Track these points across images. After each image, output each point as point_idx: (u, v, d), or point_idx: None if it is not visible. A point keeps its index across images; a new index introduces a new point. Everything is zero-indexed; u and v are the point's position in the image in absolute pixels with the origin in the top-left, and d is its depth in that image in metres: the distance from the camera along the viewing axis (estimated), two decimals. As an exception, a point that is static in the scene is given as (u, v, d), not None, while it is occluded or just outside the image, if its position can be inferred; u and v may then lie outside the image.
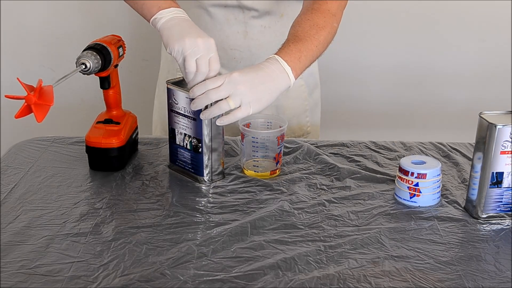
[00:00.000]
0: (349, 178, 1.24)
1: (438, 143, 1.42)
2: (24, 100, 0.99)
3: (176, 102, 1.19)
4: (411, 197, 1.14)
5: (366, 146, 1.41)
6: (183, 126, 1.20)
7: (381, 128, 2.38)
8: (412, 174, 1.13)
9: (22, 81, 0.99)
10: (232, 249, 0.99)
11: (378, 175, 1.25)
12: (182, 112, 1.19)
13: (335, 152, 1.37)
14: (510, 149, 1.06)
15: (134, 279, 0.91)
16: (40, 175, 1.24)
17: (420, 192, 1.13)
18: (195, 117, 1.16)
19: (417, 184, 1.13)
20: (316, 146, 1.38)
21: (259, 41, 1.44)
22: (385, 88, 2.37)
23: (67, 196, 1.16)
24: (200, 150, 1.18)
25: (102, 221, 1.07)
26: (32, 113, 0.99)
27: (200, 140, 1.18)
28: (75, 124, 1.85)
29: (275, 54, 1.17)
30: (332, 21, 1.26)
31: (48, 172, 1.25)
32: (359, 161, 1.32)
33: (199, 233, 1.04)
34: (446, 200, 1.17)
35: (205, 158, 1.19)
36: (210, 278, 0.92)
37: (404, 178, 1.14)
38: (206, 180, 1.21)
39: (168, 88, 1.20)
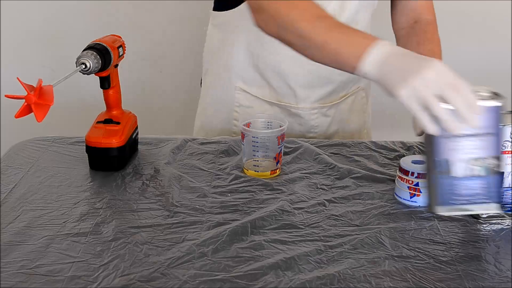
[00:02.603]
0: (349, 178, 1.24)
1: (438, 143, 1.42)
2: (24, 100, 0.99)
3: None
4: (411, 197, 1.14)
5: (366, 146, 1.41)
6: (469, 150, 0.98)
7: (381, 128, 2.37)
8: (412, 174, 1.13)
9: (22, 81, 0.99)
10: (232, 249, 0.99)
11: (378, 175, 1.25)
12: (465, 133, 0.96)
13: (335, 152, 1.37)
14: (510, 149, 1.06)
15: (134, 279, 0.91)
16: (40, 175, 1.24)
17: (421, 191, 1.13)
18: (492, 131, 0.97)
19: (417, 184, 1.13)
20: (316, 146, 1.38)
21: None
22: (385, 88, 2.36)
23: (67, 196, 1.16)
24: (497, 170, 0.99)
25: (102, 221, 1.07)
26: (32, 113, 0.99)
27: (498, 158, 0.98)
28: (75, 124, 1.85)
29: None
30: (434, 29, 1.50)
31: (48, 172, 1.25)
32: (359, 161, 1.32)
33: (199, 233, 1.04)
34: (446, 200, 1.17)
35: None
36: (210, 278, 0.92)
37: (404, 178, 1.14)
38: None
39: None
